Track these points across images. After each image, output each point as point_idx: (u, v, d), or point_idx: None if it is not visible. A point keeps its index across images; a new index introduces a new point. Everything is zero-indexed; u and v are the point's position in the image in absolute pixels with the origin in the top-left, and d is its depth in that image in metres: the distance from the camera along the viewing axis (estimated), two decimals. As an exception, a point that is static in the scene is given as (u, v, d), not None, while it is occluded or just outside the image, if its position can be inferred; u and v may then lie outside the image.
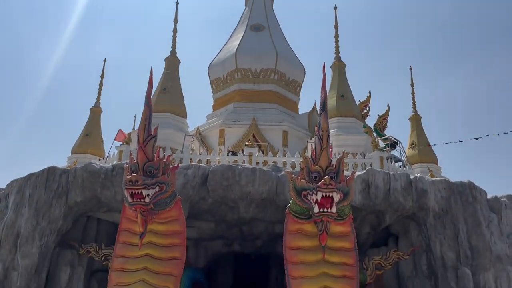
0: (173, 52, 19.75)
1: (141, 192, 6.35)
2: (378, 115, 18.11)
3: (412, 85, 20.84)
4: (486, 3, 54.98)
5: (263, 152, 15.65)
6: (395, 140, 16.60)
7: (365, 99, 18.68)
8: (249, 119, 18.88)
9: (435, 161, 19.09)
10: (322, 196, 6.19)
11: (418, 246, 10.17)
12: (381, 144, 16.50)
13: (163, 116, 16.72)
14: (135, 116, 21.67)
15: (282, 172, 10.54)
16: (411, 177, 10.41)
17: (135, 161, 6.70)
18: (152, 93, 18.45)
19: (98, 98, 20.51)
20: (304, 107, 25.07)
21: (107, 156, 16.17)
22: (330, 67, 18.89)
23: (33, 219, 9.99)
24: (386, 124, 18.03)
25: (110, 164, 11.09)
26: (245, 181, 10.13)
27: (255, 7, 23.33)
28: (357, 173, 10.17)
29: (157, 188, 6.58)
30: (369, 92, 18.90)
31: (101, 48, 52.91)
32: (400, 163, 16.13)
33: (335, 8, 19.96)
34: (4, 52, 50.66)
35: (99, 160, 15.04)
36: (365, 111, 18.24)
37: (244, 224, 11.25)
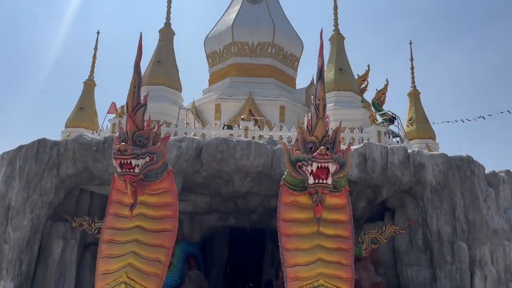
0: (167, 24, 19.24)
1: (130, 162, 6.15)
2: (376, 90, 17.83)
3: (411, 59, 20.48)
4: (489, -23, 53.95)
5: (259, 127, 15.42)
6: (393, 115, 16.40)
7: (363, 73, 18.32)
8: (245, 94, 18.55)
9: (433, 136, 18.93)
10: (318, 166, 6.00)
11: (414, 221, 10.10)
12: (379, 119, 16.29)
13: (157, 89, 16.40)
14: (130, 90, 21.25)
15: (278, 146, 10.36)
16: (409, 151, 10.26)
17: (124, 130, 6.48)
18: (146, 66, 18.45)
19: (92, 72, 20.06)
20: (301, 82, 24.75)
21: (100, 130, 15.92)
22: (329, 39, 18.48)
23: (24, 192, 9.84)
24: (384, 99, 17.77)
25: (102, 136, 10.87)
26: (240, 154, 9.96)
27: (252, -22, 22.67)
28: (354, 147, 10.01)
29: (147, 159, 6.37)
30: (368, 66, 18.55)
31: (95, 20, 51.91)
32: (397, 139, 15.97)
33: (334, -21, 19.36)
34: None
35: (93, 133, 14.79)
36: (363, 85, 17.93)
37: (239, 198, 11.15)
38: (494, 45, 51.70)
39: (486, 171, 11.07)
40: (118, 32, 56.00)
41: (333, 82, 16.60)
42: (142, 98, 6.74)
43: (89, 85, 19.88)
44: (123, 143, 6.21)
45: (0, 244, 9.71)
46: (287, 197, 6.69)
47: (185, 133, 13.18)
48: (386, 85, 17.75)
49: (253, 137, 13.08)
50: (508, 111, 13.71)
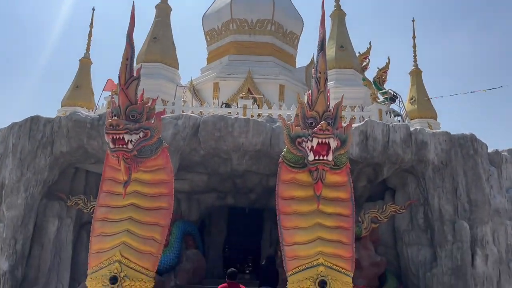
0: (164, -1, 18.77)
1: (123, 138, 5.90)
2: (378, 68, 17.46)
3: (413, 37, 20.07)
4: (493, -45, 52.77)
5: (258, 105, 15.15)
6: (394, 94, 16.08)
7: (365, 51, 17.95)
8: (244, 72, 18.24)
9: (434, 116, 18.71)
10: (318, 142, 5.76)
11: (415, 200, 9.94)
12: (380, 98, 16.00)
13: (154, 66, 16.05)
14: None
15: (277, 123, 10.12)
16: (411, 129, 10.03)
17: (117, 104, 6.21)
18: (142, 42, 18.04)
19: (88, 49, 19.71)
20: (301, 60, 24.34)
21: (96, 108, 15.64)
22: (330, 16, 18.04)
23: (17, 170, 9.65)
24: (386, 78, 17.41)
25: (97, 113, 10.62)
26: (238, 132, 9.74)
27: (251, -47, 22.00)
28: (355, 125, 9.78)
29: (141, 134, 6.13)
30: (370, 43, 18.18)
31: (91, -2, 50.83)
32: (399, 117, 15.71)
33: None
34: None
35: (88, 112, 14.51)
36: (364, 63, 17.58)
37: (237, 177, 10.97)
38: (497, 25, 50.93)
39: (489, 150, 10.87)
40: (114, 8, 55.01)
41: (333, 60, 16.25)
42: (135, 71, 6.46)
43: (85, 63, 19.55)
44: (115, 118, 5.95)
45: (-6, 223, 9.56)
46: (286, 174, 6.48)
47: (182, 111, 12.91)
48: (388, 63, 17.38)
49: (252, 116, 12.83)
50: (507, 85, 13.52)
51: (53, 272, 9.67)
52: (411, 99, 18.95)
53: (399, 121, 15.38)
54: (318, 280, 5.82)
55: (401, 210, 9.55)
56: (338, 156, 6.22)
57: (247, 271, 15.51)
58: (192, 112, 12.50)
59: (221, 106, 14.08)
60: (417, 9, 53.86)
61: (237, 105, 13.94)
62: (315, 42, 6.69)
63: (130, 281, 5.89)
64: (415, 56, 19.96)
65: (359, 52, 17.79)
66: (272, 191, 10.57)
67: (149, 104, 6.43)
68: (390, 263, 10.14)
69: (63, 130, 9.66)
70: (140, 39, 19.02)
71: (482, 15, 52.02)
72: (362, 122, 9.91)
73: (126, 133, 5.91)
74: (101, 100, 15.71)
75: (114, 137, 5.89)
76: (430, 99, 18.00)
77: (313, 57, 20.52)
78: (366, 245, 9.52)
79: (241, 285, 6.77)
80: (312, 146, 5.84)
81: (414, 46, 20.04)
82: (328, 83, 6.70)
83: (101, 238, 6.20)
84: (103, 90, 14.27)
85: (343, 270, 5.99)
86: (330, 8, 18.36)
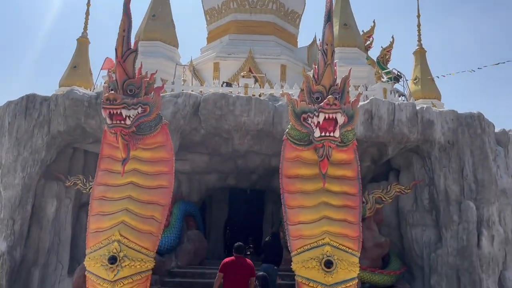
0: (164, -25, 18.28)
1: (121, 113, 5.64)
2: (381, 47, 17.09)
3: (418, 16, 19.60)
4: None
5: (259, 85, 14.84)
6: (398, 74, 15.76)
7: (368, 29, 17.53)
8: (245, 52, 17.88)
9: (438, 96, 18.39)
10: (325, 118, 5.50)
11: (420, 180, 9.76)
12: (384, 78, 15.69)
13: (152, 44, 15.71)
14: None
15: (280, 102, 9.87)
16: (417, 107, 9.77)
17: (114, 79, 5.94)
18: (141, 20, 17.62)
19: (85, 28, 19.26)
20: (303, 40, 23.91)
21: (94, 87, 15.34)
22: (333, -7, 17.54)
23: (14, 149, 9.45)
24: (389, 57, 17.05)
25: (95, 91, 10.35)
26: (240, 110, 9.49)
27: None
28: (360, 103, 9.50)
29: (140, 110, 5.87)
30: (374, 22, 17.72)
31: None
32: (403, 98, 15.42)
33: None
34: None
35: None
36: (368, 42, 17.20)
37: (239, 157, 10.76)
38: (503, 4, 50.07)
39: (496, 130, 10.64)
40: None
41: (337, 38, 15.85)
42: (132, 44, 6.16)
43: (83, 42, 19.14)
44: (112, 92, 5.68)
45: (-9, 203, 9.39)
46: (290, 152, 6.25)
47: (182, 90, 12.63)
48: (392, 43, 17.02)
49: (253, 95, 12.56)
50: (503, 62, 13.30)
51: (52, 253, 9.56)
52: (415, 79, 18.60)
53: (404, 101, 15.11)
54: (323, 260, 5.64)
55: (406, 191, 9.40)
56: (345, 132, 5.98)
57: (248, 252, 15.45)
58: (192, 91, 12.23)
59: (221, 86, 13.78)
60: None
61: (238, 85, 13.63)
62: (317, 21, 6.41)
63: (130, 261, 5.71)
64: (419, 35, 19.52)
65: (362, 31, 17.39)
66: (274, 172, 10.45)
67: (147, 79, 6.16)
68: (393, 244, 10.03)
69: (60, 109, 9.41)
70: (138, 17, 18.58)
71: (487, -5, 51.14)
72: (368, 101, 9.64)
73: (123, 108, 5.65)
74: (99, 79, 15.42)
75: (111, 112, 5.64)
76: (436, 78, 17.65)
77: (315, 37, 20.14)
78: (370, 226, 9.38)
79: (247, 259, 6.61)
80: (319, 122, 5.58)
81: (419, 25, 19.59)
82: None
83: (99, 217, 6.00)
84: (101, 69, 13.99)
85: (349, 250, 5.81)
86: (333, -14, 17.86)
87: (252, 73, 16.69)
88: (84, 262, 6.02)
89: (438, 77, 17.27)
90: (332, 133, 5.61)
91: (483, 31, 50.77)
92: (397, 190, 9.38)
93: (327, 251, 5.69)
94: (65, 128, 9.40)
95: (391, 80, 15.16)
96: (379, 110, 9.51)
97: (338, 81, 5.99)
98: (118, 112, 5.63)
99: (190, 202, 10.90)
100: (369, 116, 9.50)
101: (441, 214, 9.46)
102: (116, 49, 5.92)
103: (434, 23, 46.79)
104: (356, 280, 5.92)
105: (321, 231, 5.81)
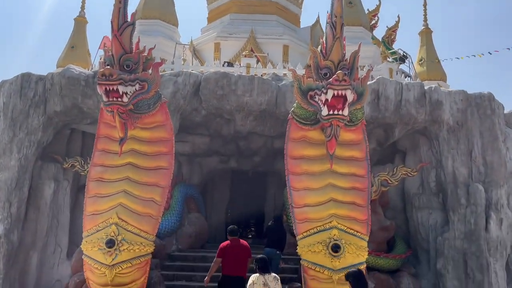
0: (162, -49, 17.66)
1: (117, 89, 5.34)
2: (387, 27, 16.65)
3: (424, -6, 19.04)
4: None
5: (262, 65, 14.46)
6: (404, 54, 15.36)
7: (374, 8, 17.06)
8: (246, 32, 17.41)
9: (443, 78, 17.96)
10: (334, 94, 5.20)
11: (427, 162, 9.49)
12: (390, 58, 15.31)
13: (152, 23, 15.26)
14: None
15: (283, 81, 9.56)
16: (426, 87, 9.45)
17: (110, 53, 5.62)
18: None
19: (83, 7, 18.75)
20: (306, 20, 23.38)
21: (92, 67, 14.97)
22: (337, -30, 17.00)
23: (9, 130, 9.18)
24: (395, 38, 16.65)
25: (92, 69, 10.02)
26: (242, 90, 9.19)
27: None
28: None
29: (137, 87, 5.56)
30: (379, 0, 17.21)
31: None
32: (409, 79, 15.06)
33: None
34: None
35: (84, 72, 13.85)
36: (373, 21, 16.74)
37: (241, 139, 10.51)
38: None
39: (505, 111, 10.34)
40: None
41: (341, 17, 15.40)
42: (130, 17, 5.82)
43: (80, 22, 18.66)
44: (108, 67, 5.37)
45: (-13, 186, 9.15)
46: (296, 132, 5.97)
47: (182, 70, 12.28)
48: (398, 22, 16.59)
49: (255, 75, 12.22)
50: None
51: (51, 236, 9.37)
52: (420, 60, 18.17)
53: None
54: (331, 244, 5.42)
55: (412, 173, 9.12)
56: (353, 111, 5.69)
57: (250, 236, 15.31)
58: (193, 71, 11.89)
59: (223, 65, 13.41)
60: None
61: (240, 65, 13.27)
62: (320, 1, 6.05)
63: (128, 245, 5.49)
64: (425, 15, 18.95)
65: (368, 10, 16.90)
66: (277, 154, 10.20)
67: (145, 54, 5.84)
68: (398, 228, 9.83)
69: (56, 88, 9.10)
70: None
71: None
72: (374, 80, 9.32)
73: (120, 84, 5.35)
74: (98, 59, 15.01)
75: (107, 89, 5.34)
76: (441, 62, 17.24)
77: (318, 17, 19.66)
78: (375, 209, 9.13)
79: (241, 240, 6.49)
80: (327, 99, 5.28)
81: (425, 5, 19.00)
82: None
83: (96, 199, 5.76)
84: (98, 48, 13.60)
85: (358, 234, 5.58)
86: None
87: (254, 53, 16.30)
88: (81, 246, 5.80)
89: (446, 60, 16.82)
90: (340, 111, 5.33)
91: (492, 11, 49.87)
92: (404, 172, 9.10)
93: (335, 235, 5.47)
94: (61, 108, 9.11)
95: (397, 61, 14.77)
96: (386, 90, 9.22)
97: (347, 56, 5.65)
98: (115, 89, 5.33)
99: (191, 184, 10.68)
100: (376, 96, 9.21)
101: (449, 197, 9.23)
102: (112, 21, 5.59)
103: (441, 2, 45.88)
104: (365, 265, 5.71)
105: (328, 214, 5.57)
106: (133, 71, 5.63)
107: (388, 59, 13.23)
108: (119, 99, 5.43)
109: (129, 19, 5.74)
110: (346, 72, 5.44)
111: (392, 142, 10.11)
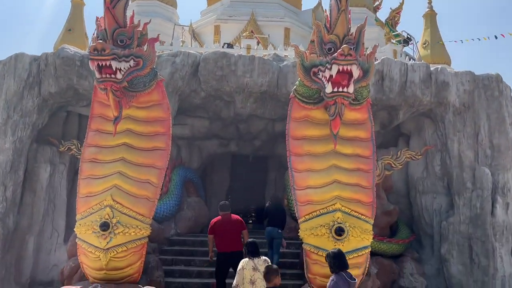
0: None
1: (110, 65, 5.07)
2: (390, 8, 16.24)
3: (429, -24, 18.57)
4: None
5: (262, 47, 14.14)
6: (408, 36, 15.01)
7: (377, -11, 16.66)
8: (247, 14, 17.03)
9: (448, 61, 17.57)
10: (338, 70, 4.92)
11: (432, 145, 9.26)
12: (393, 41, 14.95)
13: (150, 4, 14.89)
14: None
15: (285, 62, 9.28)
16: (432, 68, 9.16)
17: (103, 27, 5.34)
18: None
19: (80, -11, 18.32)
20: (308, 2, 22.91)
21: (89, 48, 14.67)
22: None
23: (3, 112, 8.95)
24: (398, 20, 16.25)
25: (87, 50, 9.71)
26: (242, 71, 8.92)
27: None
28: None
29: (132, 63, 5.29)
30: (383, -19, 16.81)
31: None
32: (412, 61, 14.72)
33: None
34: None
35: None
36: (377, 3, 16.34)
37: (241, 122, 10.26)
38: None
39: None
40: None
41: (344, -2, 15.02)
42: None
43: (77, 4, 18.26)
44: (101, 41, 5.09)
45: (-19, 169, 8.94)
46: (298, 111, 5.72)
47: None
48: (402, 4, 16.17)
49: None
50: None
51: (47, 220, 9.20)
52: (424, 43, 17.78)
53: (414, 64, 14.43)
54: (334, 227, 5.20)
55: (417, 157, 8.86)
56: (359, 89, 5.42)
57: (250, 221, 15.16)
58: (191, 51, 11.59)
59: (222, 47, 13.10)
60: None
61: (240, 46, 12.95)
62: None
63: (124, 228, 5.28)
64: (430, -5, 18.55)
65: (371, -10, 16.50)
66: (278, 137, 9.96)
67: (140, 29, 5.56)
68: (402, 212, 9.64)
69: (50, 69, 8.83)
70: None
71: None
72: (379, 60, 9.02)
73: (113, 59, 5.08)
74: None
75: (100, 64, 5.06)
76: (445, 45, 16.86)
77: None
78: (379, 193, 8.80)
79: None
80: (331, 75, 5.01)
81: (430, -14, 18.60)
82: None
83: (90, 180, 5.54)
84: (95, 30, 13.22)
85: (362, 217, 5.37)
86: None
87: (254, 34, 15.95)
88: (75, 229, 5.60)
89: (454, 41, 16.44)
90: (345, 88, 5.06)
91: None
92: (408, 156, 8.84)
93: (338, 218, 5.25)
94: (56, 89, 8.85)
95: (401, 43, 14.43)
96: (390, 71, 8.95)
97: (352, 31, 5.36)
98: (108, 64, 5.06)
99: (190, 168, 10.47)
100: (380, 77, 8.93)
101: (454, 181, 9.03)
102: (104, -6, 5.30)
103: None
104: (369, 249, 5.52)
105: (332, 196, 5.35)
106: (127, 46, 5.36)
107: (392, 41, 12.88)
108: (113, 76, 5.16)
109: (123, -6, 5.45)
110: (352, 47, 5.16)
111: (396, 124, 9.87)
